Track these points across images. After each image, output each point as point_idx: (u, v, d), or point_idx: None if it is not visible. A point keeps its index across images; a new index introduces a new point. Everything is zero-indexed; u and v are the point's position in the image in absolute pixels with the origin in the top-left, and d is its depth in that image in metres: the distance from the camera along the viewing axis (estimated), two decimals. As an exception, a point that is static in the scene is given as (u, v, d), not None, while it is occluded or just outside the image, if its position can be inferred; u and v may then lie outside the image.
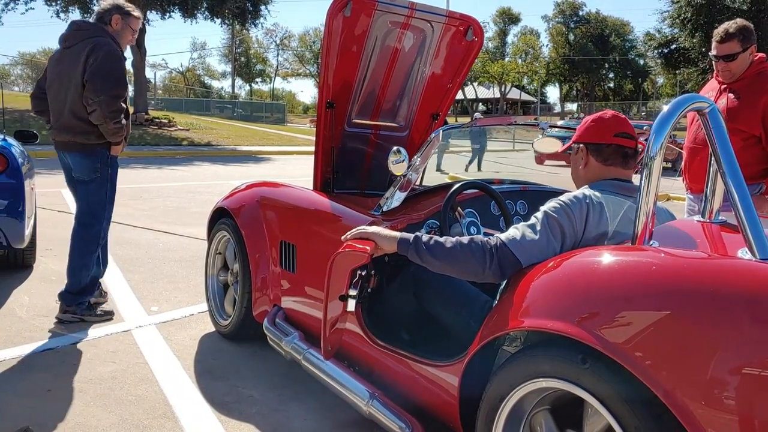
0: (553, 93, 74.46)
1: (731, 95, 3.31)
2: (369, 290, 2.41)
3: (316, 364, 2.53)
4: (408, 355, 2.22)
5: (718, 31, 3.27)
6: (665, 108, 1.77)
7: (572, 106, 63.51)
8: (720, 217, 1.99)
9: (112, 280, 4.45)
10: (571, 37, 59.32)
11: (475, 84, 60.83)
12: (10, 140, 4.51)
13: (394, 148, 2.51)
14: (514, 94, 62.68)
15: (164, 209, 7.80)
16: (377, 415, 2.20)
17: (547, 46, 63.23)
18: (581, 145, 2.10)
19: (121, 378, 2.87)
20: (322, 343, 2.27)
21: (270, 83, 77.25)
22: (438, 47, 3.52)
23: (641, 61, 56.22)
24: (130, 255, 5.23)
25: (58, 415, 2.49)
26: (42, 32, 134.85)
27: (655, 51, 32.30)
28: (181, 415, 2.55)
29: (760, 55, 3.32)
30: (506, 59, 62.64)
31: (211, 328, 3.54)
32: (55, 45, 3.65)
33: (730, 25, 3.24)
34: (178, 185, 10.51)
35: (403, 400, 2.25)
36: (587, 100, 58.05)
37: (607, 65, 59.45)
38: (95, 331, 3.42)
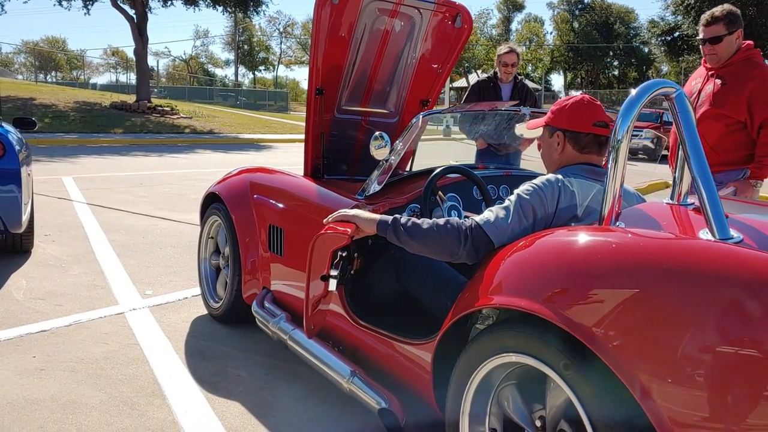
0: (557, 81, 74.25)
1: (718, 81, 3.36)
2: (352, 272, 2.47)
3: (301, 343, 2.60)
4: (387, 334, 2.29)
5: (705, 15, 3.37)
6: (633, 92, 1.82)
7: (576, 94, 63.25)
8: (689, 200, 2.04)
9: (108, 264, 4.53)
10: (576, 24, 58.99)
11: (479, 71, 60.64)
12: (7, 127, 4.57)
13: (376, 133, 2.57)
14: (518, 81, 62.39)
15: (163, 196, 7.87)
16: (357, 392, 2.27)
17: (551, 33, 62.99)
18: (559, 131, 2.14)
19: (113, 358, 2.94)
20: (305, 323, 2.33)
21: (273, 71, 77.14)
22: (427, 34, 3.56)
23: (645, 49, 55.93)
24: (128, 241, 5.30)
25: (51, 393, 2.57)
26: (45, 20, 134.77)
27: (659, 38, 32.11)
28: (170, 393, 2.62)
29: (748, 42, 3.36)
30: (510, 47, 62.31)
31: (204, 311, 3.62)
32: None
33: (717, 9, 3.32)
34: (178, 172, 10.58)
35: (384, 378, 2.32)
36: (591, 87, 57.83)
37: (611, 53, 59.13)
38: (89, 314, 3.49)
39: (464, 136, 4.84)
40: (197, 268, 3.74)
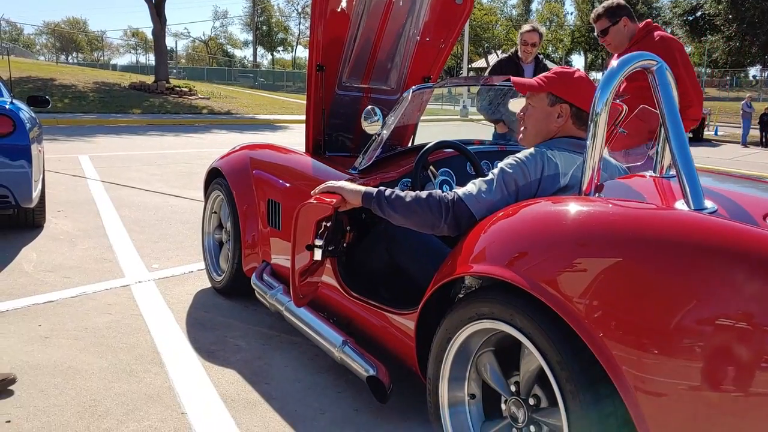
0: (578, 61, 73.31)
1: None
2: (345, 245, 2.52)
3: (296, 314, 2.66)
4: (377, 305, 2.34)
5: (592, 13, 3.61)
6: (613, 63, 1.83)
7: (597, 75, 62.49)
8: (671, 172, 2.05)
9: (117, 239, 4.62)
10: (597, 5, 58.16)
11: (499, 52, 60.08)
12: (19, 104, 4.66)
13: (369, 107, 2.60)
14: (539, 62, 61.79)
15: (176, 174, 7.97)
16: (347, 360, 2.33)
17: (572, 13, 62.21)
18: (566, 104, 2.08)
19: (116, 328, 3.02)
20: (292, 292, 2.38)
21: (292, 52, 77.06)
22: (428, 11, 3.57)
23: (668, 30, 55.00)
24: (138, 217, 5.40)
25: (53, 360, 2.66)
26: (66, 1, 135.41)
27: (680, 18, 31.62)
28: (168, 361, 2.70)
29: (646, 21, 3.58)
30: (530, 27, 61.69)
31: (208, 284, 3.69)
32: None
33: (599, 7, 3.56)
34: (193, 152, 10.69)
35: (375, 347, 2.37)
36: (613, 68, 57.01)
37: (633, 33, 58.23)
38: (95, 286, 3.58)
39: (482, 117, 4.84)
40: (201, 242, 3.81)
